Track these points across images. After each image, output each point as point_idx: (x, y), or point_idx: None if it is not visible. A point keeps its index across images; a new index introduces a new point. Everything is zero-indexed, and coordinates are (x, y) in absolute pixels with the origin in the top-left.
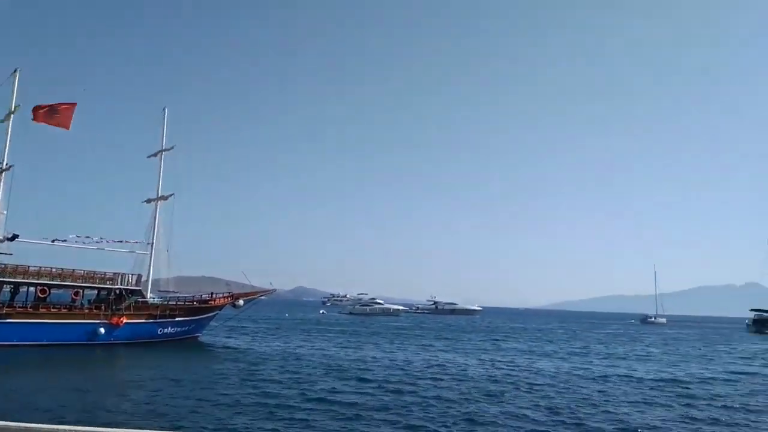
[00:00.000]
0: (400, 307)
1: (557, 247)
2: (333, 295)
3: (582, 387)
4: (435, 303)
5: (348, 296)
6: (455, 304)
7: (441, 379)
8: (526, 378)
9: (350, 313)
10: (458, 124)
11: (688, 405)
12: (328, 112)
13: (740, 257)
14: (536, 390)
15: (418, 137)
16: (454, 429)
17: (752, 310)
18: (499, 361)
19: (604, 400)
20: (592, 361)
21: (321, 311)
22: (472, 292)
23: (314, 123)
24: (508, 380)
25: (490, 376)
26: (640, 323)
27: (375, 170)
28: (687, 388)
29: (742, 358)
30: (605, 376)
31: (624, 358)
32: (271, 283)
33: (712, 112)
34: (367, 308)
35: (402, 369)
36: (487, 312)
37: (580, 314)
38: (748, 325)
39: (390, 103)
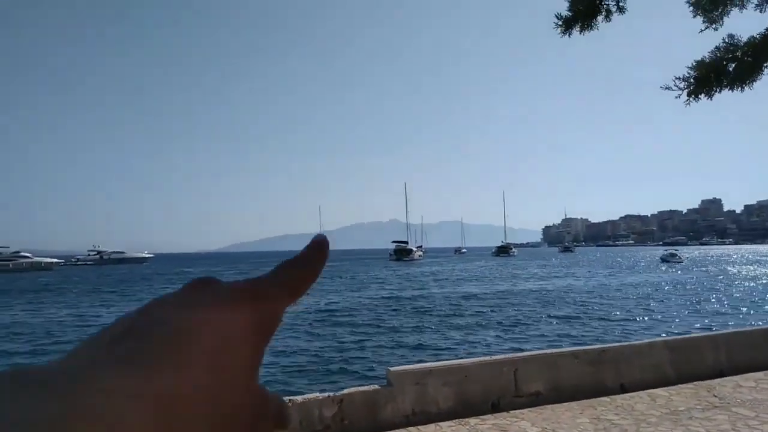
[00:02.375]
0: (54, 260)
1: (228, 191)
2: None
3: None
4: (99, 252)
5: None
6: (123, 252)
7: None
8: None
9: None
10: None
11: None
12: None
13: (385, 198)
14: None
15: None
16: None
17: (393, 242)
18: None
19: None
20: None
21: None
22: (143, 239)
23: None
24: None
25: None
26: None
27: None
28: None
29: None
30: None
31: None
32: None
33: None
34: (10, 263)
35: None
36: (160, 259)
37: (253, 254)
38: (390, 254)
39: None
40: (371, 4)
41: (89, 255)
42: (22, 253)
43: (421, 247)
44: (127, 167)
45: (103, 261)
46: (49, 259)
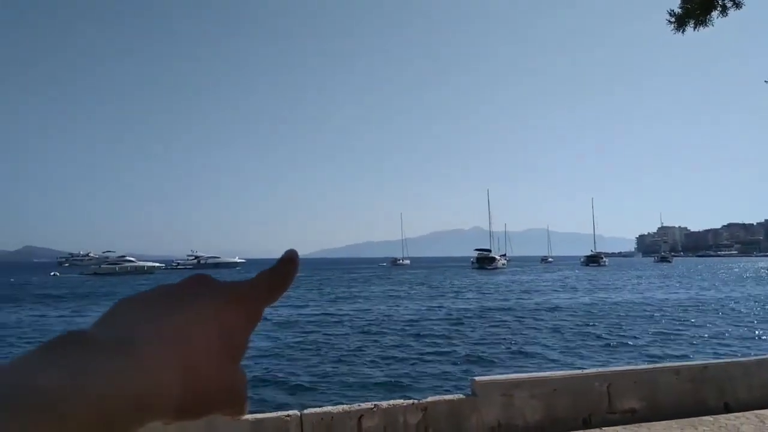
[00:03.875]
0: (156, 264)
1: (315, 198)
2: (72, 255)
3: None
4: (197, 257)
5: (91, 255)
6: (218, 257)
7: None
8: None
9: (95, 274)
10: None
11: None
12: None
13: (466, 205)
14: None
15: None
16: None
17: (476, 249)
18: None
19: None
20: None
21: (52, 273)
22: (238, 244)
23: None
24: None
25: None
26: (390, 265)
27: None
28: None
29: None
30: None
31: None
32: None
33: None
34: (116, 267)
35: None
36: (251, 264)
37: (336, 261)
38: (472, 262)
39: None
40: (451, 16)
41: (188, 259)
42: (128, 257)
43: (504, 255)
44: (225, 175)
45: (200, 265)
46: (151, 263)
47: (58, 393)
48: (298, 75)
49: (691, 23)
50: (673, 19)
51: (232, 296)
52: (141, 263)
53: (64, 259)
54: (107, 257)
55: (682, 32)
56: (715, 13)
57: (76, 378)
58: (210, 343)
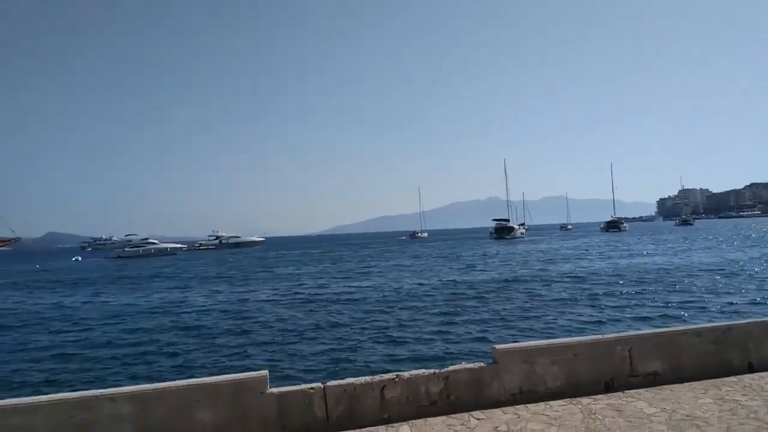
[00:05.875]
0: (179, 245)
1: (326, 177)
2: (94, 239)
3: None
4: (218, 237)
5: (114, 239)
6: (239, 237)
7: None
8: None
9: (118, 257)
10: None
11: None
12: None
13: (483, 175)
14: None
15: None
16: None
17: (494, 219)
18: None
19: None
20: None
21: (74, 258)
22: (253, 223)
23: None
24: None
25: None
26: (409, 239)
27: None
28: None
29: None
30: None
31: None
32: (12, 231)
33: None
34: (140, 249)
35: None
36: (271, 242)
37: (354, 236)
38: (490, 233)
39: None
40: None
41: (209, 240)
42: (150, 240)
43: (523, 224)
44: (242, 156)
45: (222, 245)
46: (174, 245)
47: None
48: (309, 49)
49: None
50: None
51: None
52: (164, 245)
53: (86, 244)
54: (130, 240)
55: None
56: None
57: None
58: None
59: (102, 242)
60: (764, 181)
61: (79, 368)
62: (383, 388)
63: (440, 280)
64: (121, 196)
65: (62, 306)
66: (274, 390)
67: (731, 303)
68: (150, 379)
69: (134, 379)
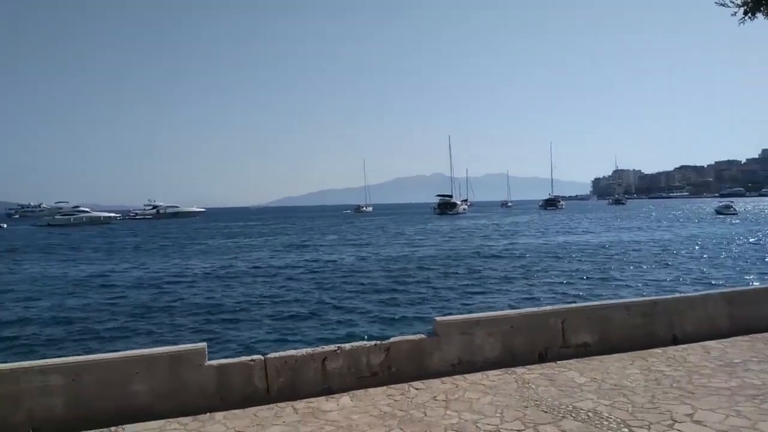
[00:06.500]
0: (112, 214)
1: (276, 147)
2: (22, 206)
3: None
4: (155, 207)
5: (44, 206)
6: (177, 207)
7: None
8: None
9: (48, 225)
10: None
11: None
12: None
13: (428, 151)
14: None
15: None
16: None
17: (438, 195)
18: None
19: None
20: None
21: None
22: (199, 194)
23: None
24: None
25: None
26: (354, 212)
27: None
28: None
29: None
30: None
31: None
32: None
33: None
34: (71, 218)
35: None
36: (211, 213)
37: (300, 209)
38: (434, 208)
39: None
40: None
41: (145, 210)
42: (81, 208)
43: (466, 201)
44: (179, 125)
45: (159, 215)
46: (107, 214)
47: None
48: (252, 16)
49: (765, 10)
50: (740, 2)
51: None
52: (96, 214)
53: (13, 211)
54: (60, 208)
55: (751, 19)
56: None
57: None
58: None
59: (31, 209)
60: (693, 164)
61: None
62: (324, 359)
63: (383, 255)
64: (54, 162)
65: None
66: (213, 362)
67: (657, 279)
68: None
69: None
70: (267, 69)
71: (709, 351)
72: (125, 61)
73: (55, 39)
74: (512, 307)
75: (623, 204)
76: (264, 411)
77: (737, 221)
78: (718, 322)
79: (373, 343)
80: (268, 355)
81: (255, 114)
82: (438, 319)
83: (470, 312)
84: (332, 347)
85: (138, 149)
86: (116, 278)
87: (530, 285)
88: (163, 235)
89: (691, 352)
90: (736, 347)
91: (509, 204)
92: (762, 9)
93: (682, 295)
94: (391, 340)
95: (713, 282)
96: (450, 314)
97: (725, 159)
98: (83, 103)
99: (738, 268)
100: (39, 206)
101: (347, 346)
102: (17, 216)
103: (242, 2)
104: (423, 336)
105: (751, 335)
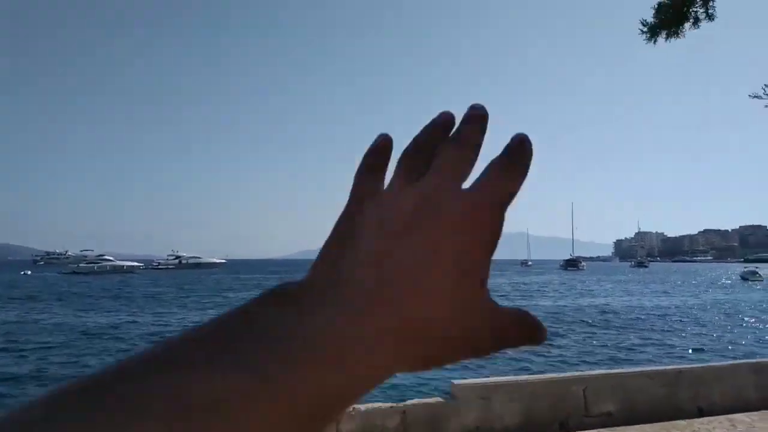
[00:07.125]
0: (135, 263)
1: (299, 196)
2: (48, 253)
3: None
4: (177, 257)
5: (69, 253)
6: (199, 258)
7: None
8: None
9: (73, 273)
10: None
11: None
12: None
13: None
14: None
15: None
16: None
17: None
18: None
19: None
20: None
21: (24, 272)
22: (218, 245)
23: None
24: None
25: None
26: None
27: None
28: None
29: None
30: None
31: None
32: None
33: None
34: (95, 266)
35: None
36: (232, 264)
37: None
38: None
39: None
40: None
41: (168, 259)
42: (106, 257)
43: None
44: (206, 176)
45: (181, 265)
46: (130, 263)
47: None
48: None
49: (663, 34)
50: (645, 29)
51: (468, 203)
52: (120, 262)
53: (39, 258)
54: (85, 256)
55: (654, 42)
56: (687, 25)
57: (259, 380)
58: (444, 278)
59: (56, 256)
60: (717, 228)
61: None
62: (338, 422)
63: None
64: (82, 211)
65: None
66: None
67: (682, 346)
68: None
69: None
70: (285, 110)
71: (735, 424)
72: (162, 117)
73: (94, 90)
74: (530, 372)
75: (646, 267)
76: None
77: (762, 288)
78: (744, 394)
79: (389, 405)
80: None
81: (276, 164)
82: (455, 382)
83: (485, 376)
84: (348, 408)
85: (164, 201)
86: (131, 328)
87: (550, 349)
88: (179, 286)
89: (717, 425)
90: (764, 421)
91: (529, 263)
92: (659, 32)
93: (709, 364)
94: (408, 402)
95: (739, 351)
96: (463, 378)
97: (750, 224)
98: (114, 151)
99: (766, 337)
100: (65, 253)
101: (362, 407)
102: (42, 263)
103: (284, 80)
104: (440, 399)
105: None
